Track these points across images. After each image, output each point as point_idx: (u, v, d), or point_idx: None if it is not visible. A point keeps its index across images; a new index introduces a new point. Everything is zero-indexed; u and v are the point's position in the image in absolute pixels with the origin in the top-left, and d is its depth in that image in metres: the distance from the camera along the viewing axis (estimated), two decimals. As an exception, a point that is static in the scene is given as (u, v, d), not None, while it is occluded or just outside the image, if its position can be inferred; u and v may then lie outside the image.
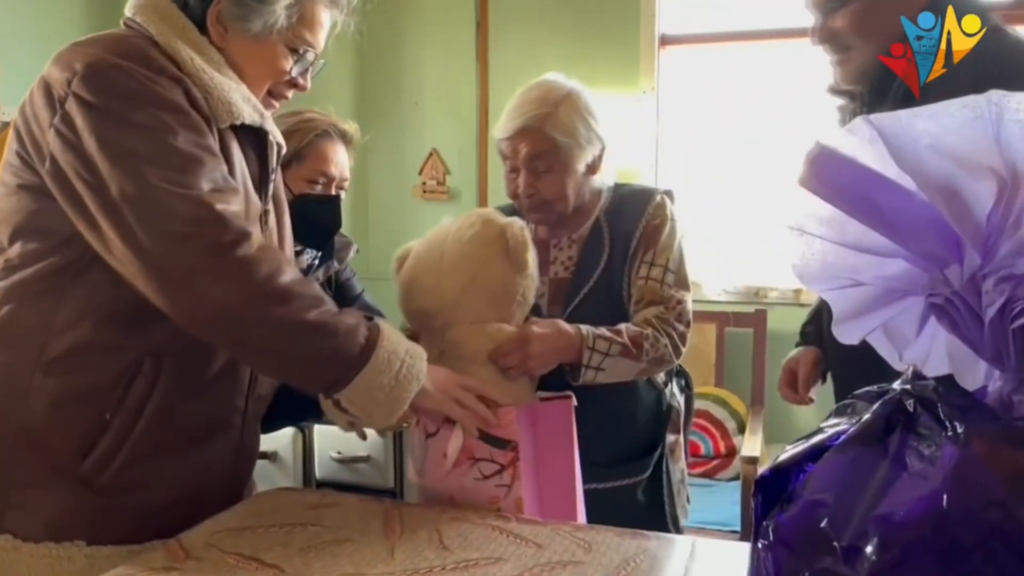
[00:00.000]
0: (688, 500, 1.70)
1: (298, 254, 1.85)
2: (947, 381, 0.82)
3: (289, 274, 1.06)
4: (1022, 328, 0.71)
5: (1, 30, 2.54)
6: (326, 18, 1.24)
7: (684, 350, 1.51)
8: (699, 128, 3.21)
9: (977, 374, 0.85)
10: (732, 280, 3.09)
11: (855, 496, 0.72)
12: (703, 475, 2.85)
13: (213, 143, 1.09)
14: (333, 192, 1.70)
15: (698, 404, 2.96)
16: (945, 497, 0.67)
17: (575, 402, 1.30)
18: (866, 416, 0.78)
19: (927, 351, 0.87)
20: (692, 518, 2.45)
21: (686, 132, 3.22)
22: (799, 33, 2.95)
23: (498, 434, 1.21)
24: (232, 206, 1.05)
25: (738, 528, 2.39)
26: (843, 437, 0.79)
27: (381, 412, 1.11)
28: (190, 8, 1.16)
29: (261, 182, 1.23)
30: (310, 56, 1.24)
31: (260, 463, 2.26)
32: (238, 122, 1.14)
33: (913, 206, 0.74)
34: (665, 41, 3.16)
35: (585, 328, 1.40)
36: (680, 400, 1.68)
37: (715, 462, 2.87)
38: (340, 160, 1.70)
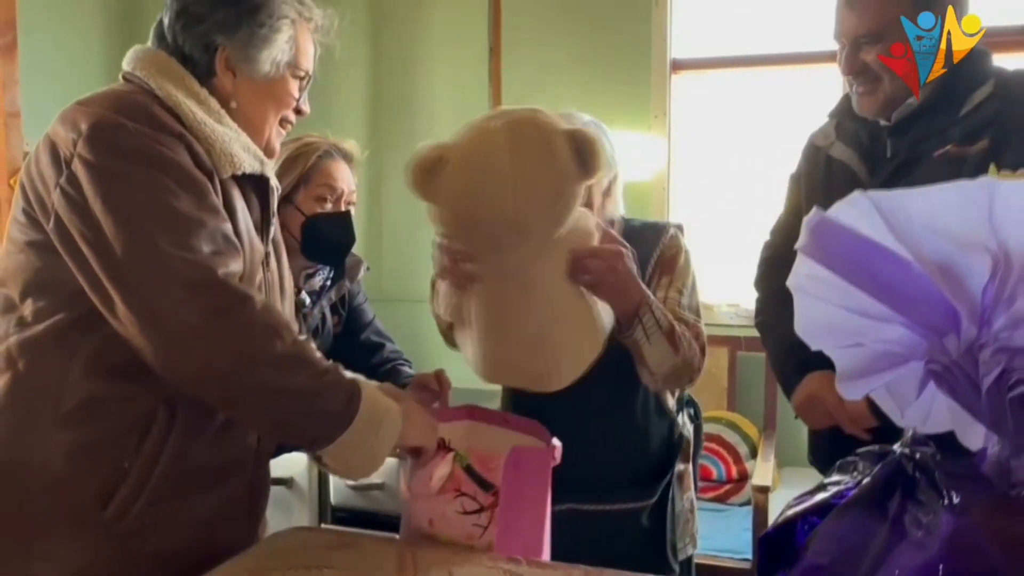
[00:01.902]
0: (698, 529, 1.70)
1: (310, 276, 1.91)
2: (946, 445, 0.84)
3: (285, 337, 1.09)
4: (1019, 397, 0.73)
5: (24, 67, 2.59)
6: (312, 43, 1.30)
7: (701, 374, 1.50)
8: (711, 152, 3.23)
9: (979, 433, 0.86)
10: (744, 305, 3.09)
11: (854, 561, 0.74)
12: (715, 499, 2.85)
13: (215, 200, 1.12)
14: (342, 208, 1.77)
15: (710, 428, 2.98)
16: (941, 567, 0.68)
17: (558, 454, 1.27)
18: (867, 479, 0.80)
19: (928, 411, 0.88)
20: (703, 544, 2.46)
21: (698, 156, 3.24)
22: (811, 59, 3.01)
23: (485, 476, 1.23)
24: (232, 268, 1.08)
25: (749, 556, 2.40)
26: (845, 498, 0.81)
27: (360, 467, 1.17)
28: (194, 60, 1.20)
29: (263, 226, 1.27)
30: (308, 80, 1.30)
31: (276, 490, 2.29)
32: (239, 172, 1.18)
33: (911, 276, 0.76)
34: (677, 66, 3.18)
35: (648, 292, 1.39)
36: (690, 429, 1.69)
37: (727, 487, 2.87)
38: (345, 176, 1.78)
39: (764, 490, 2.33)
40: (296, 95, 1.28)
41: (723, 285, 3.13)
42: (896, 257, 0.77)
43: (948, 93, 1.46)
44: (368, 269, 1.99)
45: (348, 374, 1.17)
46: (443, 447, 1.26)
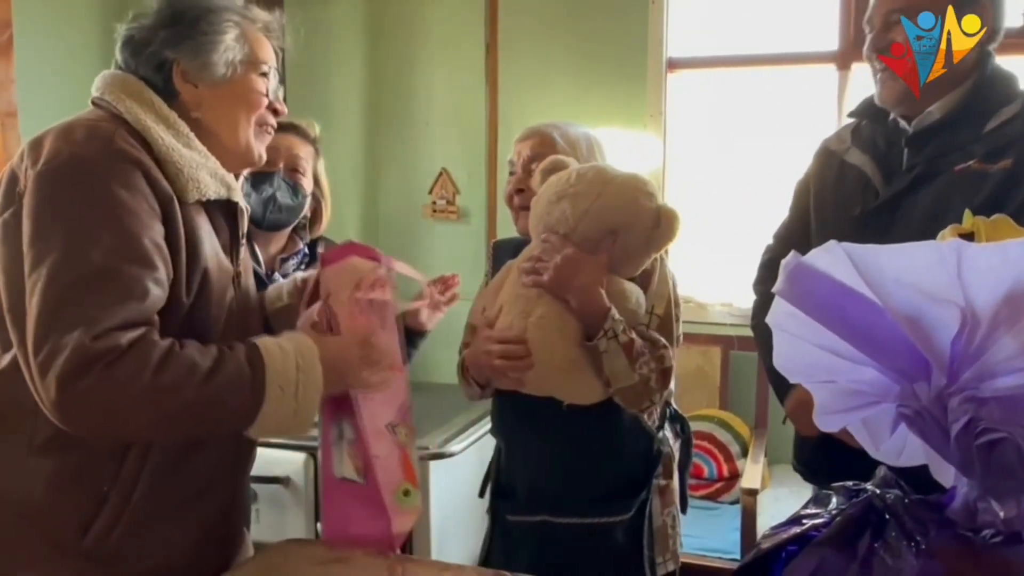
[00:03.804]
0: (681, 544, 1.68)
1: (284, 260, 1.93)
2: (916, 485, 0.86)
3: (152, 359, 1.02)
4: (986, 444, 0.76)
5: (20, 66, 2.59)
6: (266, 39, 1.29)
7: (662, 396, 1.48)
8: (706, 151, 3.23)
9: (951, 470, 0.89)
10: (737, 304, 3.11)
11: (824, 602, 0.76)
12: (706, 497, 2.88)
13: (146, 246, 1.06)
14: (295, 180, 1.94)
15: (702, 427, 3.01)
16: (907, 611, 0.71)
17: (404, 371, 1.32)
18: (839, 517, 0.82)
19: (902, 446, 0.91)
20: (692, 544, 2.50)
21: (693, 155, 3.25)
22: (806, 58, 3.02)
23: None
24: (123, 316, 1.02)
25: (737, 556, 2.43)
26: (816, 537, 0.83)
27: (295, 428, 1.13)
28: (153, 82, 1.19)
29: (232, 248, 1.27)
30: (273, 75, 1.28)
31: (272, 488, 2.31)
32: (204, 198, 1.16)
33: (884, 323, 0.78)
34: (673, 65, 3.18)
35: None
36: (675, 446, 1.66)
37: (718, 485, 2.90)
38: (288, 144, 1.93)
39: (752, 493, 2.35)
40: (264, 92, 1.26)
41: (717, 284, 3.15)
42: (869, 304, 0.79)
43: (971, 110, 1.45)
44: None
45: (252, 342, 1.13)
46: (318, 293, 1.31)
